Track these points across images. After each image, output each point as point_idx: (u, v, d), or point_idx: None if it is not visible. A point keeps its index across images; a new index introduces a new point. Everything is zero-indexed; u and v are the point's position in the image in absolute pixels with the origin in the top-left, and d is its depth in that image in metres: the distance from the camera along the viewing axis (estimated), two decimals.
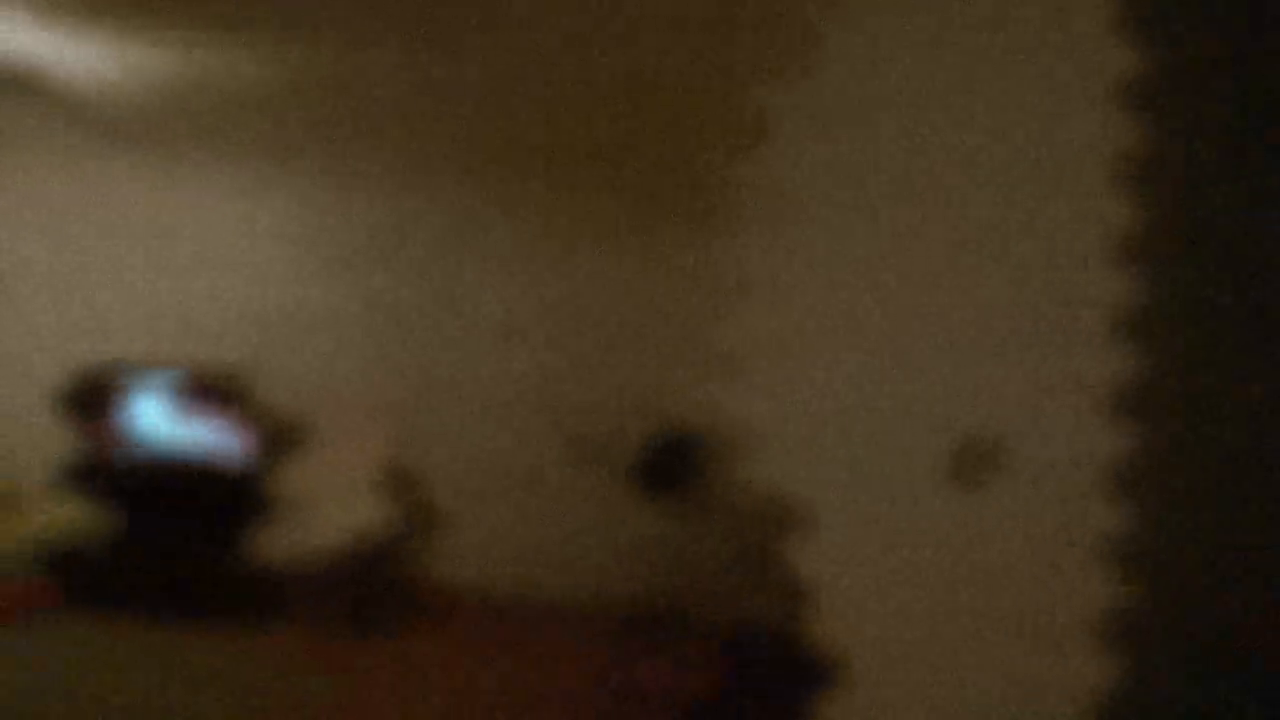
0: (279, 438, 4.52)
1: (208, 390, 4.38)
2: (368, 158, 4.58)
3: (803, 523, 2.34)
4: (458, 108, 3.72)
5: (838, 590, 2.25)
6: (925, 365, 2.11)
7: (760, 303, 3.31)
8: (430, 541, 4.59)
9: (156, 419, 4.44)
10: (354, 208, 4.75)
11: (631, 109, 3.56)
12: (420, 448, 4.62)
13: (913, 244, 2.12)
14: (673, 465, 4.36)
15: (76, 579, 4.26)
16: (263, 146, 4.62)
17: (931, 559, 2.11)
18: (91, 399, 4.48)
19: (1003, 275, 2.02)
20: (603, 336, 4.56)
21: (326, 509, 4.37)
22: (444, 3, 2.65)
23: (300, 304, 4.72)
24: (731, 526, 4.10)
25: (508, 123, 3.87)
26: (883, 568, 2.18)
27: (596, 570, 4.44)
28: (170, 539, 4.32)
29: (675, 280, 4.43)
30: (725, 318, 4.13)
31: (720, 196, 3.82)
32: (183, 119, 4.20)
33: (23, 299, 4.98)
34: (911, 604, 2.16)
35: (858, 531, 2.22)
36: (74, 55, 3.35)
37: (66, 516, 4.38)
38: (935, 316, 2.08)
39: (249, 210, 4.80)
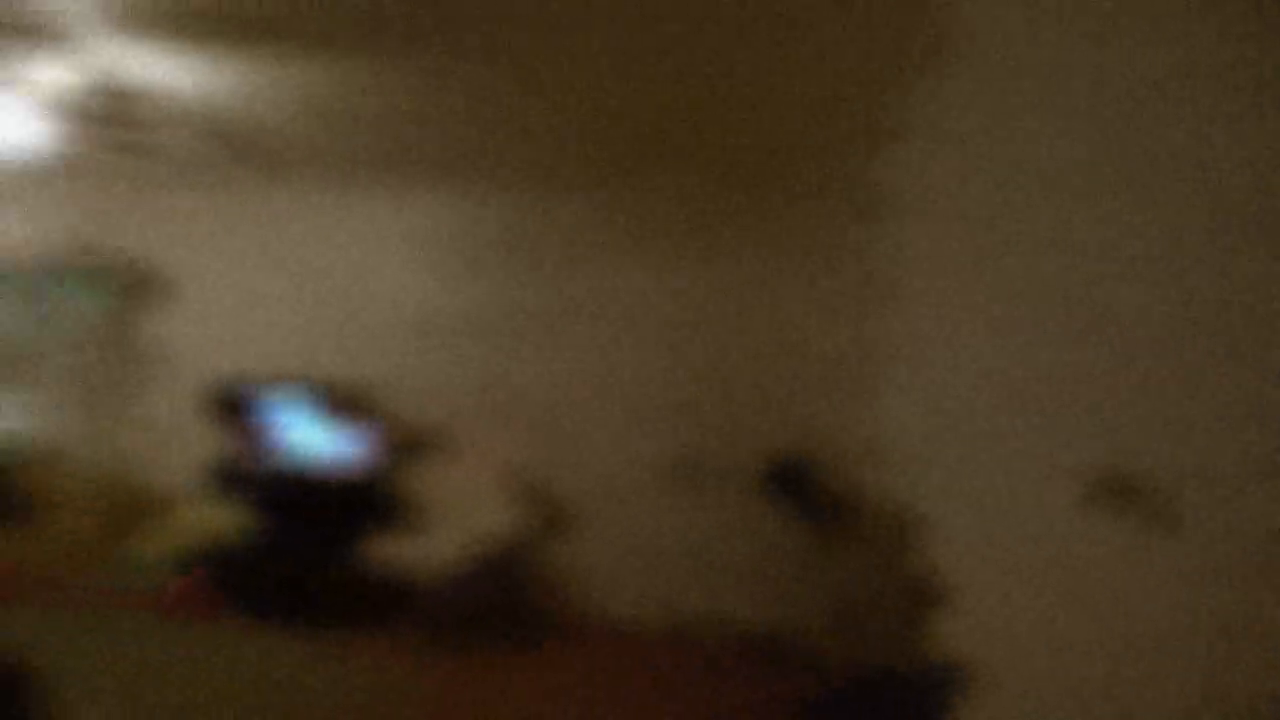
0: (411, 446, 4.62)
1: (346, 399, 4.70)
2: (499, 170, 4.54)
3: (933, 544, 2.16)
4: (588, 115, 3.61)
5: (967, 613, 2.09)
6: (1072, 385, 1.84)
7: (896, 313, 3.13)
8: (554, 552, 4.55)
9: (298, 427, 4.75)
10: (486, 220, 4.78)
11: (761, 110, 3.41)
12: (548, 457, 4.60)
13: (1062, 252, 1.84)
14: (800, 480, 4.21)
15: (220, 581, 4.52)
16: (396, 162, 4.59)
17: (1063, 585, 1.92)
18: (238, 407, 4.79)
19: (1168, 291, 1.69)
20: (733, 345, 4.53)
21: (455, 517, 4.45)
22: (568, 9, 2.58)
23: (432, 315, 4.78)
24: (861, 545, 3.92)
25: (637, 129, 3.75)
26: (1012, 591, 1.99)
27: (720, 588, 4.40)
28: (307, 545, 4.59)
29: (805, 288, 4.43)
30: (859, 328, 3.99)
31: (854, 201, 3.66)
32: (323, 139, 4.16)
33: (175, 312, 5.08)
34: (1040, 628, 1.97)
35: (989, 553, 2.06)
36: (220, 80, 3.46)
37: (214, 521, 4.49)
38: (1087, 332, 1.80)
39: (385, 224, 4.89)
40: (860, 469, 4.15)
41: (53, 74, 3.26)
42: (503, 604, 4.38)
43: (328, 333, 5.00)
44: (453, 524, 4.49)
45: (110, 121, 3.54)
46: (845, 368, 4.31)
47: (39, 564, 4.94)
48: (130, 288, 5.38)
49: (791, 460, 4.36)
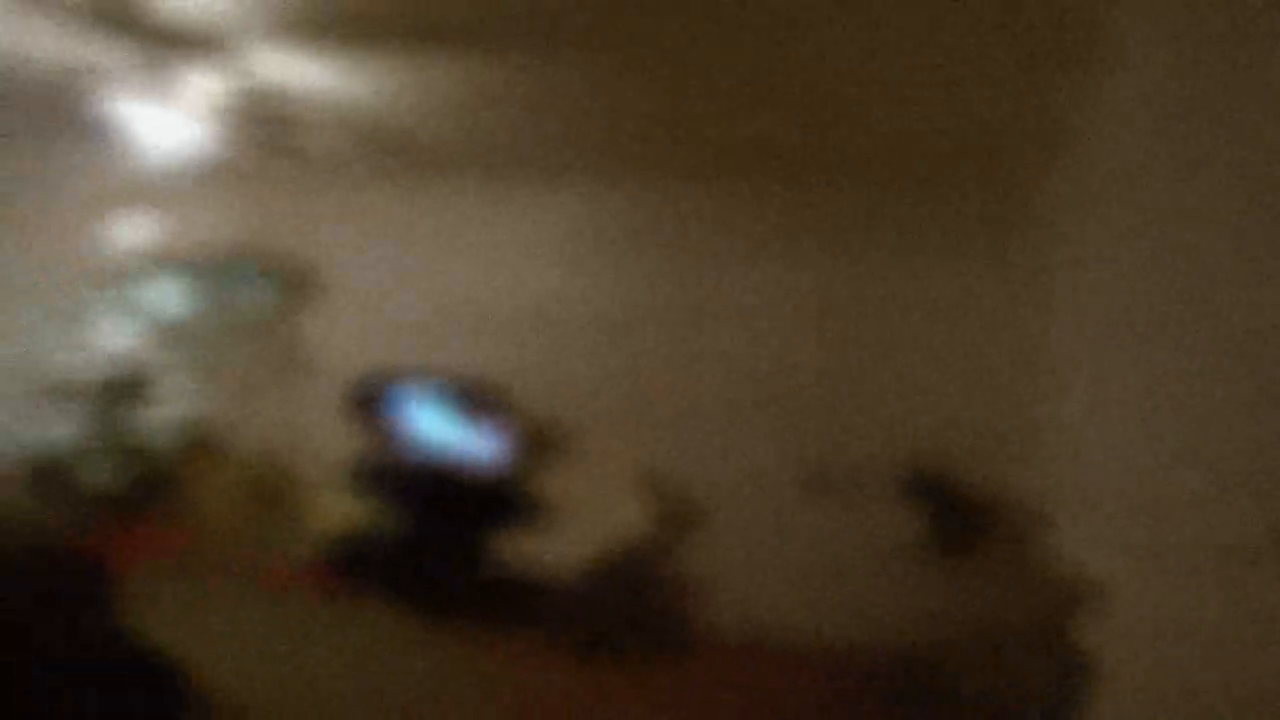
0: (543, 444, 4.75)
1: (481, 396, 4.79)
2: (638, 167, 4.63)
3: (1091, 596, 2.05)
4: (735, 110, 3.59)
5: (1125, 676, 1.94)
6: (1236, 397, 1.64)
7: (1049, 319, 3.07)
8: (683, 557, 4.51)
9: (431, 422, 4.89)
10: (624, 217, 4.88)
11: (916, 107, 3.34)
12: (680, 458, 4.62)
13: (1226, 260, 1.65)
14: (940, 489, 4.12)
15: (354, 571, 4.70)
16: (538, 160, 4.71)
17: (1216, 598, 1.81)
18: (376, 402, 4.99)
19: None
20: (876, 346, 4.45)
21: (585, 517, 4.47)
22: (712, 12, 2.61)
23: (569, 313, 4.90)
24: (1003, 557, 3.83)
25: (785, 125, 3.73)
26: (1177, 656, 1.83)
27: (852, 599, 4.27)
28: (437, 539, 4.74)
29: (954, 290, 4.31)
30: (1010, 333, 3.90)
31: (1010, 205, 3.60)
32: (466, 138, 4.34)
33: (324, 309, 5.41)
34: (1187, 640, 1.83)
35: (1154, 614, 1.89)
36: (367, 82, 3.62)
37: (352, 511, 4.78)
38: (1247, 340, 1.59)
39: (526, 222, 5.06)
40: (1005, 477, 4.04)
41: (208, 81, 3.45)
42: (630, 608, 4.41)
43: (466, 329, 5.14)
44: (582, 524, 4.55)
45: (263, 124, 3.78)
46: (993, 373, 4.18)
47: (189, 543, 5.36)
48: (286, 284, 5.75)
49: (932, 467, 4.25)
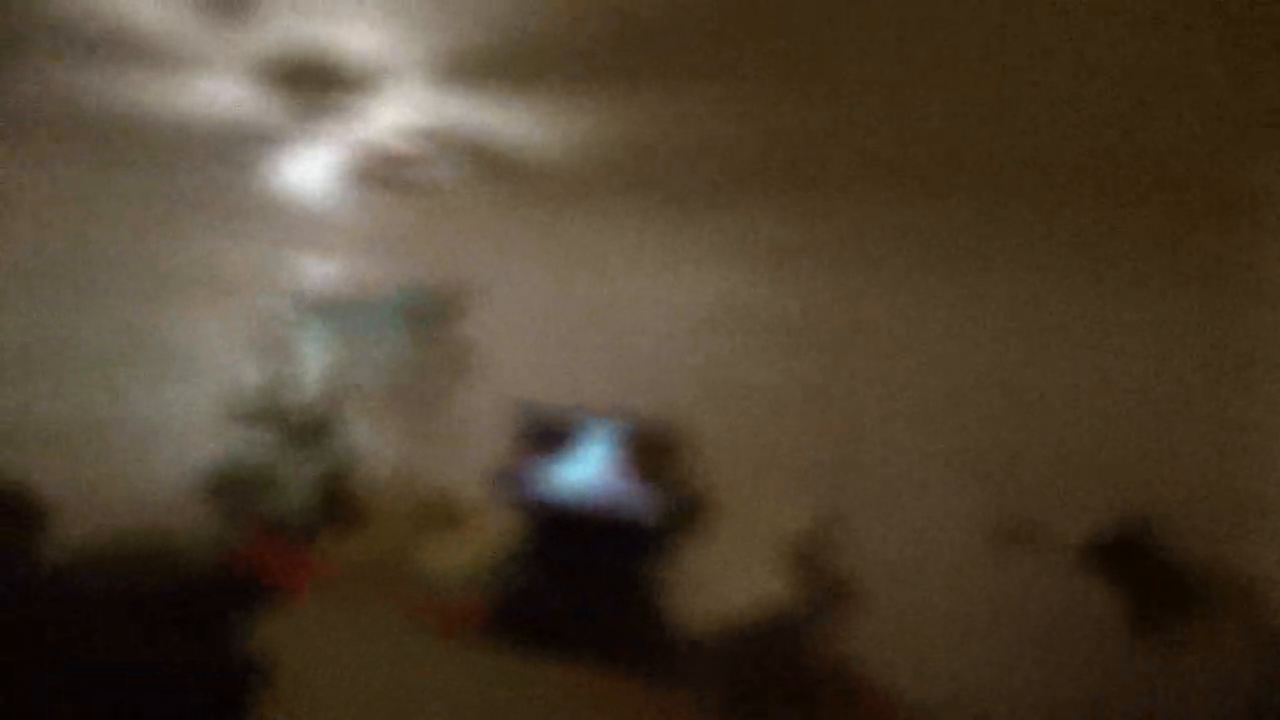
0: (697, 499, 4.63)
1: (641, 445, 4.70)
2: (807, 226, 4.50)
3: None
4: (901, 177, 3.55)
5: None
6: None
7: (1268, 377, 2.76)
8: (837, 625, 4.25)
9: (591, 465, 4.82)
10: (789, 278, 4.68)
11: (1121, 151, 3.15)
12: (838, 522, 4.36)
13: None
14: (1136, 552, 3.65)
15: (496, 604, 4.76)
16: (692, 191, 4.54)
17: None
18: (533, 433, 5.01)
19: None
20: (1070, 396, 3.97)
21: (734, 576, 4.22)
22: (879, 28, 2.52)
23: (730, 371, 4.78)
24: (1205, 629, 3.38)
25: (967, 189, 3.63)
26: None
27: (1034, 670, 3.81)
28: (580, 577, 4.72)
29: (1164, 342, 3.83)
30: (1224, 390, 3.56)
31: (1234, 255, 3.36)
32: (620, 169, 4.26)
33: (481, 338, 5.70)
34: None
35: None
36: (513, 121, 3.63)
37: (500, 544, 4.91)
38: None
39: (686, 257, 5.01)
40: (1218, 541, 3.34)
41: (365, 120, 3.50)
42: (781, 670, 4.07)
43: (629, 370, 5.10)
44: (729, 583, 4.26)
45: (417, 163, 3.76)
46: (1202, 431, 3.54)
47: (346, 570, 5.65)
48: (446, 316, 5.93)
49: (1127, 528, 3.61)
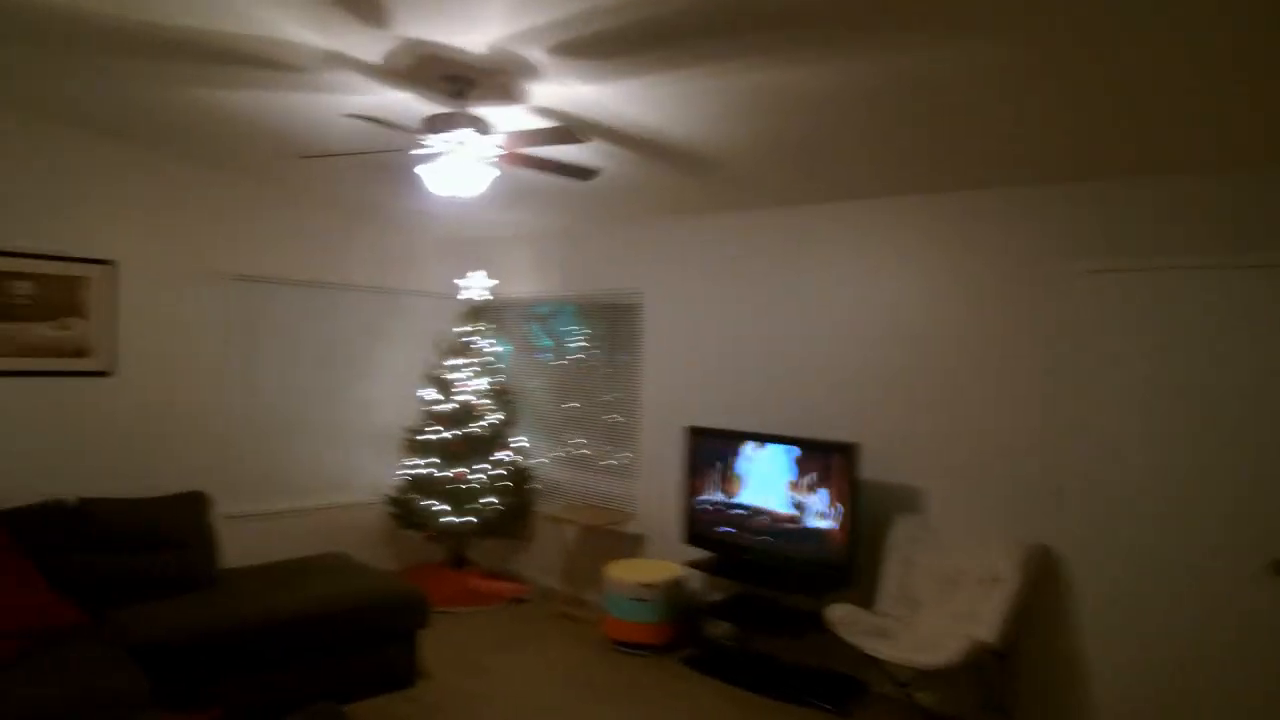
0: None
1: (826, 466, 4.24)
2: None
3: None
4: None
5: None
6: None
7: None
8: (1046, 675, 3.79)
9: (774, 483, 4.46)
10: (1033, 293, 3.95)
11: None
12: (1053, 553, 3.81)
13: None
14: None
15: (677, 628, 4.74)
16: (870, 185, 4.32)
17: None
18: (708, 453, 4.75)
19: None
20: None
21: (931, 618, 3.84)
22: None
23: (927, 363, 4.28)
24: None
25: None
26: None
27: None
28: (764, 602, 4.52)
29: None
30: None
31: None
32: (773, 161, 4.07)
33: (649, 345, 5.52)
34: None
35: None
36: (670, 105, 3.42)
37: (680, 566, 4.78)
38: None
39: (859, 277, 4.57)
40: None
41: (506, 124, 3.53)
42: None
43: (807, 380, 4.71)
44: (924, 626, 3.87)
45: (570, 168, 3.67)
46: None
47: (517, 589, 5.69)
48: (616, 320, 5.81)
49: None
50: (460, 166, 3.41)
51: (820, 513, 4.24)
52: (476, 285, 6.23)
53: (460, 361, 6.04)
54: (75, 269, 4.74)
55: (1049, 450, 3.85)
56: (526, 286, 6.43)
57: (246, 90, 3.72)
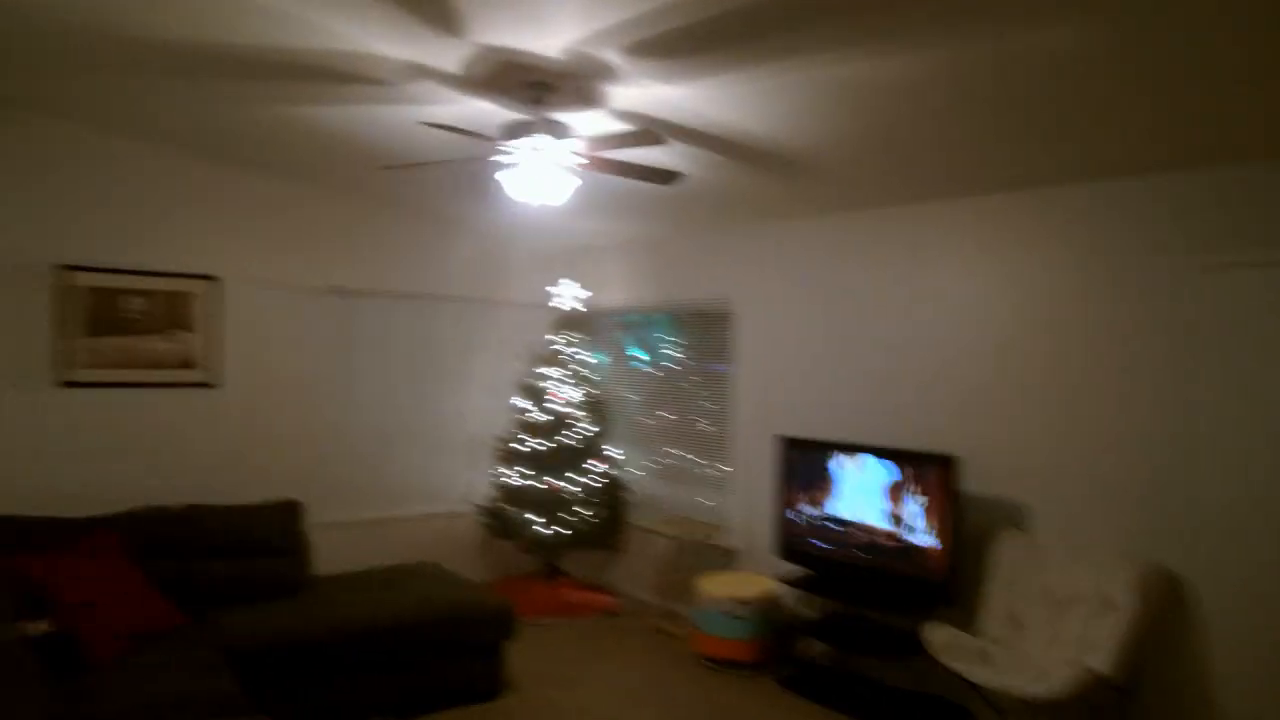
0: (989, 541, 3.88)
1: (924, 478, 4.00)
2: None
3: None
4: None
5: None
6: None
7: None
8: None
9: (865, 492, 4.26)
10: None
11: None
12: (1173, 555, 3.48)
13: None
14: None
15: (766, 645, 4.58)
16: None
17: None
18: (813, 466, 4.51)
19: None
20: None
21: (1038, 644, 3.53)
22: None
23: (1029, 376, 3.98)
24: None
25: None
26: None
27: None
28: (859, 622, 4.29)
29: None
30: None
31: None
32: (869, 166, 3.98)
33: (747, 355, 5.36)
34: None
35: None
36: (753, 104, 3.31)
37: (774, 581, 4.62)
38: None
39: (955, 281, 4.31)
40: None
41: (586, 128, 3.45)
42: None
43: (906, 387, 4.46)
44: (1025, 653, 3.58)
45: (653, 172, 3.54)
46: None
47: (605, 604, 5.62)
48: (708, 328, 5.70)
49: None
50: (541, 173, 3.38)
51: (918, 528, 4.02)
52: (568, 294, 6.23)
53: (553, 371, 6.03)
54: (182, 284, 4.95)
55: (1170, 463, 3.52)
56: (619, 296, 6.39)
57: (334, 106, 3.80)
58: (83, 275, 4.63)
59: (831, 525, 4.44)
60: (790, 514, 4.64)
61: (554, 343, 6.17)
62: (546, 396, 5.95)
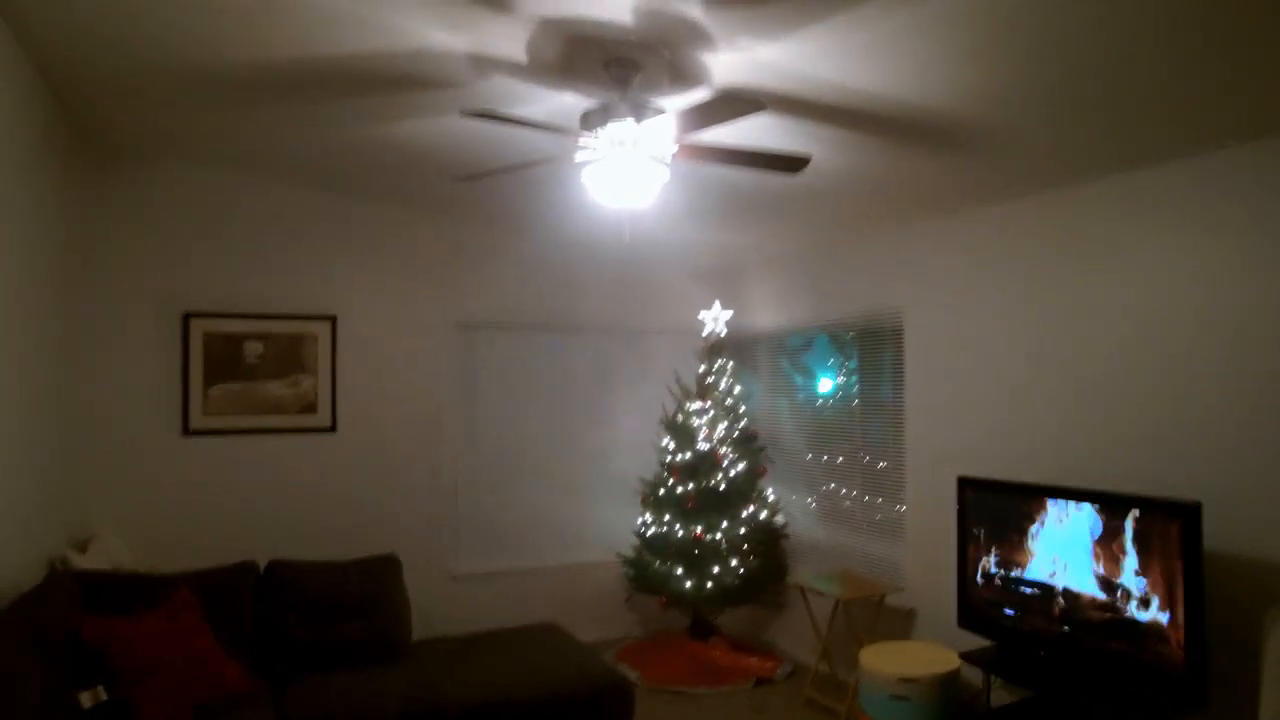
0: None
1: (1151, 533, 3.00)
2: None
3: None
4: None
5: None
6: None
7: None
8: None
9: (1076, 554, 3.30)
10: None
11: None
12: None
13: None
14: None
15: None
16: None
17: None
18: (1001, 514, 3.62)
19: None
20: None
21: None
22: None
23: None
24: None
25: None
26: None
27: None
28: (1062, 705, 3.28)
29: None
30: None
31: None
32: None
33: (932, 381, 4.41)
34: None
35: None
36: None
37: (955, 655, 3.73)
38: None
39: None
40: None
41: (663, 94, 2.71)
42: None
43: (1111, 417, 3.47)
44: None
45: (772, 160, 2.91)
46: None
47: (761, 668, 4.67)
48: (874, 348, 4.91)
49: None
50: (627, 166, 2.82)
51: (1144, 598, 3.03)
52: (717, 318, 5.60)
53: (699, 406, 5.41)
54: (301, 326, 4.79)
55: None
56: (772, 316, 5.71)
57: (421, 119, 3.48)
58: (205, 321, 4.56)
59: (1025, 589, 3.50)
60: (972, 572, 3.75)
61: (702, 373, 5.55)
62: (693, 432, 5.33)
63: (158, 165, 4.46)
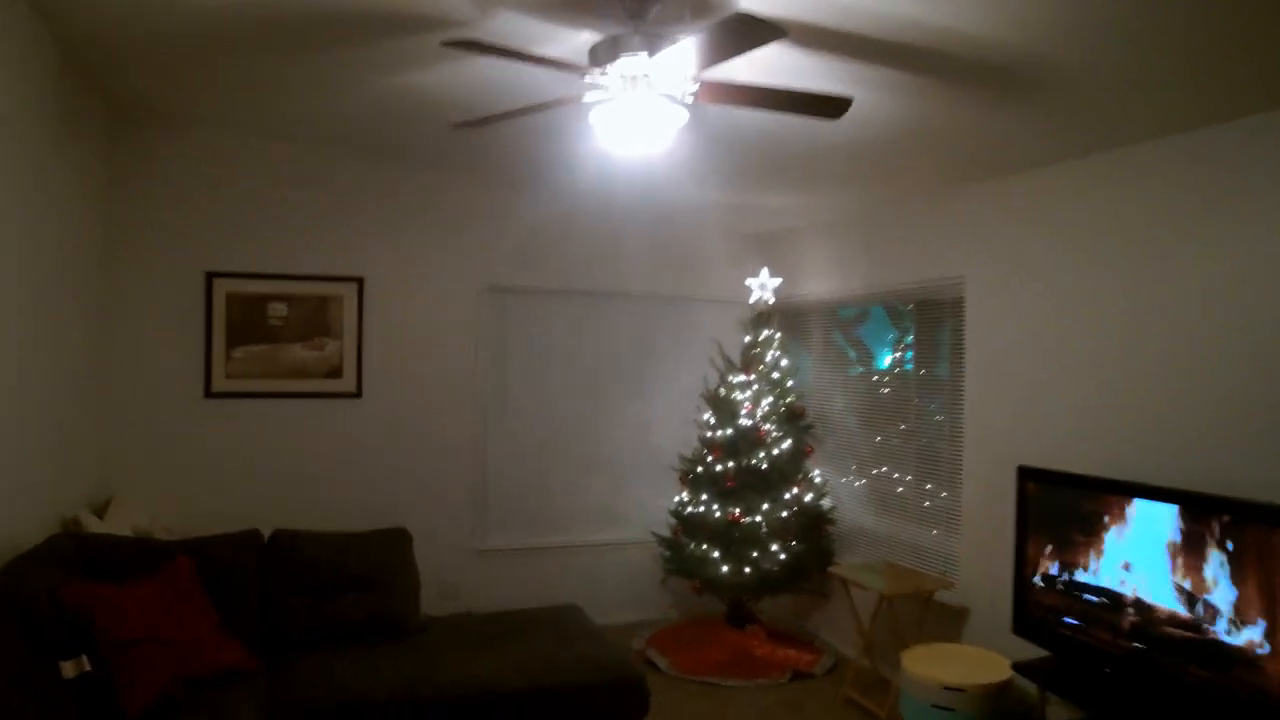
0: None
1: (1246, 540, 2.58)
2: None
3: None
4: None
5: None
6: None
7: None
8: None
9: (1153, 560, 2.89)
10: None
11: None
12: None
13: None
14: None
15: None
16: None
17: None
18: (1066, 511, 3.24)
19: None
20: None
21: None
22: None
23: None
24: None
25: None
26: None
27: None
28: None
29: None
30: None
31: None
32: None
33: (995, 358, 3.98)
34: None
35: None
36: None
37: (1007, 663, 3.35)
38: None
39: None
40: None
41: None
42: None
43: (1199, 404, 3.00)
44: None
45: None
46: None
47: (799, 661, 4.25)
48: (932, 321, 4.51)
49: None
50: (640, 106, 2.51)
51: (1235, 618, 2.62)
52: (765, 285, 5.23)
53: (742, 379, 5.07)
54: (327, 288, 4.62)
55: None
56: (824, 285, 5.32)
57: (434, 68, 3.21)
58: (228, 281, 4.42)
59: (1091, 597, 3.10)
60: (1030, 573, 3.36)
61: (747, 343, 5.20)
62: (735, 407, 4.99)
63: (186, 133, 4.34)
